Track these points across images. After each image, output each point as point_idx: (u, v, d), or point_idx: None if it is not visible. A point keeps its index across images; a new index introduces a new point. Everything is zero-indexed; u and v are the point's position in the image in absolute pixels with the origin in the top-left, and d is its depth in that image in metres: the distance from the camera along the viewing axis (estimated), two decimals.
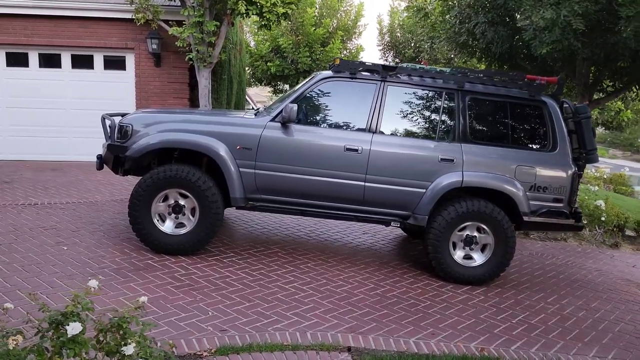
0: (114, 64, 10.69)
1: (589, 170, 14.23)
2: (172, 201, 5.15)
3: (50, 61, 10.49)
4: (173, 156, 5.48)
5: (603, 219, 8.42)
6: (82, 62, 10.55)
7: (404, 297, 4.88)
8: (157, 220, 5.15)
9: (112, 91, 10.55)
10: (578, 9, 6.83)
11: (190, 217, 5.19)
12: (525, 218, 5.32)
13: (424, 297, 4.94)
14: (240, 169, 5.13)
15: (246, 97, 18.59)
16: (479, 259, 5.39)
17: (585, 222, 7.17)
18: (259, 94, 33.10)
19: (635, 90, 10.01)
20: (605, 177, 15.72)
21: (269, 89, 22.55)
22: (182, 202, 5.15)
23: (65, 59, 10.50)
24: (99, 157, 5.42)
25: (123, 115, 5.51)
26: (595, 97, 10.11)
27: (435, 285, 5.31)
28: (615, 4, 6.80)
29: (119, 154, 5.15)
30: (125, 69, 10.70)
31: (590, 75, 9.52)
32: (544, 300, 5.30)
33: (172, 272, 4.80)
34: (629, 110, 18.65)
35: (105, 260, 4.94)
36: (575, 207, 5.51)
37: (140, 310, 2.57)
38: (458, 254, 5.38)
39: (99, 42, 10.37)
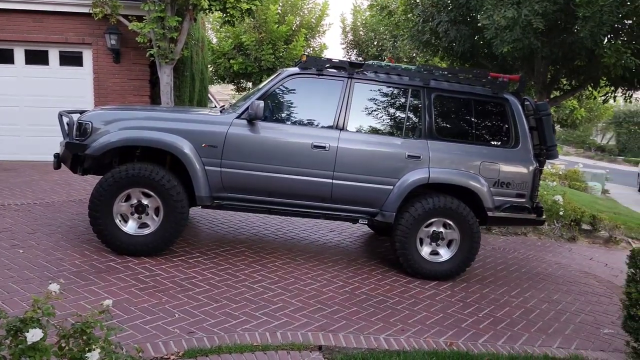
0: (71, 60, 10.29)
1: (546, 166, 14.63)
2: (134, 201, 5.00)
3: (1, 57, 10.01)
4: (135, 154, 5.32)
5: (561, 213, 8.68)
6: (37, 58, 10.12)
7: (372, 294, 4.88)
8: (119, 221, 4.98)
9: (69, 88, 10.17)
10: (538, 9, 7.01)
11: (154, 217, 5.04)
12: (490, 213, 5.41)
13: (392, 293, 4.96)
14: (206, 167, 5.03)
15: (208, 94, 18.30)
16: (445, 254, 5.46)
17: (544, 216, 7.35)
18: (220, 92, 32.67)
19: (589, 88, 10.35)
20: (560, 173, 16.19)
21: (231, 86, 22.28)
22: (145, 201, 5.00)
23: (19, 55, 10.05)
24: (57, 155, 5.21)
25: (81, 112, 5.31)
26: (552, 95, 10.41)
27: (403, 281, 5.34)
28: (573, 5, 7.01)
29: (78, 152, 4.96)
30: (82, 65, 10.33)
31: (548, 73, 9.80)
32: (508, 294, 5.41)
33: (135, 274, 4.65)
34: (582, 109, 19.32)
35: (64, 263, 4.75)
36: (536, 202, 5.65)
37: (105, 315, 2.47)
38: (425, 250, 5.43)
39: (54, 37, 9.96)
